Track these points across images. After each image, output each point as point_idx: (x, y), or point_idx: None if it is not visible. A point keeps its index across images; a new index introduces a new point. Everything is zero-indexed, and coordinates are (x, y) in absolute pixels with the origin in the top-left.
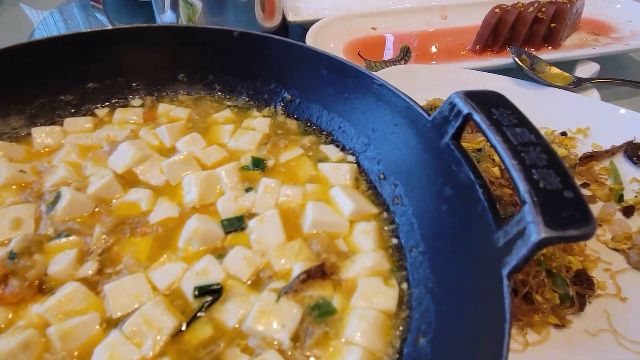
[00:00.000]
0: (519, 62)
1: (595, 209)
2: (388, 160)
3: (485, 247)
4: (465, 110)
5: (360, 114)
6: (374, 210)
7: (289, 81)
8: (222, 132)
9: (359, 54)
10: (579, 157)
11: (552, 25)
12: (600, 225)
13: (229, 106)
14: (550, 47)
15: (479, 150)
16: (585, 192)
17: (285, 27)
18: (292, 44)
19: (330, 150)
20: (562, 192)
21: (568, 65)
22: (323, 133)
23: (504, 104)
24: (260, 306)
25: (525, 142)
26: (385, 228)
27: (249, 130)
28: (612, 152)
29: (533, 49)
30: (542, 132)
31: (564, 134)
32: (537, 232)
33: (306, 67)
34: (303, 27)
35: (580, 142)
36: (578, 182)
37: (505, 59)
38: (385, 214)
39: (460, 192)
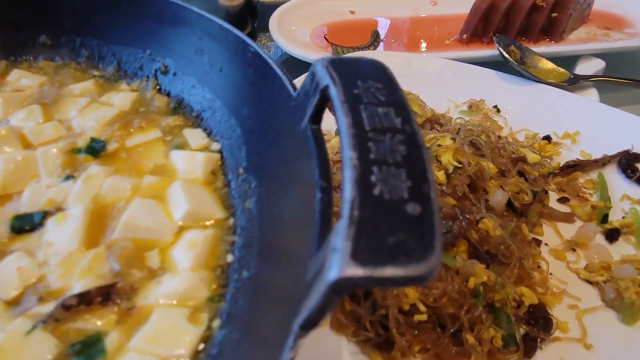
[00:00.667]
0: (504, 53)
1: (571, 229)
2: (252, 151)
3: (295, 279)
4: (324, 82)
5: (234, 91)
6: (218, 214)
7: (163, 48)
8: (71, 107)
9: (324, 37)
10: (561, 165)
11: (554, 14)
12: (574, 250)
13: (94, 76)
14: (550, 40)
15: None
16: (562, 208)
17: (251, 6)
18: (166, 2)
19: (195, 135)
20: (405, 204)
21: (570, 61)
22: (193, 114)
23: (377, 76)
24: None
25: (384, 127)
26: (226, 239)
27: (105, 106)
28: (602, 162)
29: (531, 42)
30: (523, 134)
31: (547, 138)
32: (337, 266)
33: (180, 30)
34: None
35: (567, 148)
36: (556, 196)
37: (492, 51)
38: (231, 221)
39: (304, 196)
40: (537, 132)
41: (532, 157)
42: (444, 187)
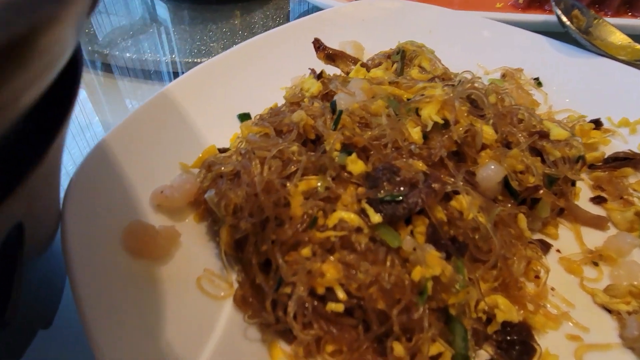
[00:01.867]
0: (562, 17)
1: (600, 238)
2: None
3: None
4: None
5: None
6: None
7: None
8: None
9: None
10: (606, 157)
11: None
12: (596, 265)
13: None
14: (633, 15)
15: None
16: (595, 210)
17: None
18: None
19: None
20: None
21: None
22: None
23: None
24: None
25: None
26: None
27: None
28: None
29: (609, 13)
30: (565, 116)
31: (596, 122)
32: None
33: None
34: None
35: (621, 138)
36: (590, 193)
37: (550, 17)
38: None
39: None
40: (585, 115)
41: (557, 132)
42: (412, 147)
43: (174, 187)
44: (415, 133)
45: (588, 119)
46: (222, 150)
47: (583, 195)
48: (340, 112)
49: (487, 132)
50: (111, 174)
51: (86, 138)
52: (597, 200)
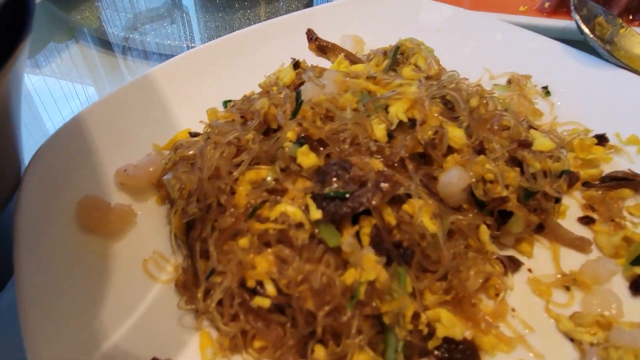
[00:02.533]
0: (581, 24)
1: (582, 261)
2: None
3: None
4: None
5: None
6: None
7: None
8: None
9: None
10: (603, 175)
11: None
12: (568, 289)
13: None
14: None
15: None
16: (581, 231)
17: None
18: None
19: None
20: None
21: None
22: None
23: None
24: None
25: None
26: None
27: None
28: None
29: None
30: (570, 128)
31: (600, 137)
32: None
33: None
34: None
35: (627, 157)
36: (581, 213)
37: (571, 23)
38: None
39: None
40: (591, 129)
41: (541, 143)
42: (370, 144)
43: (138, 167)
44: (380, 130)
45: (591, 134)
46: (194, 135)
47: (573, 214)
48: (301, 102)
49: (457, 135)
50: (82, 148)
51: None
52: (585, 221)
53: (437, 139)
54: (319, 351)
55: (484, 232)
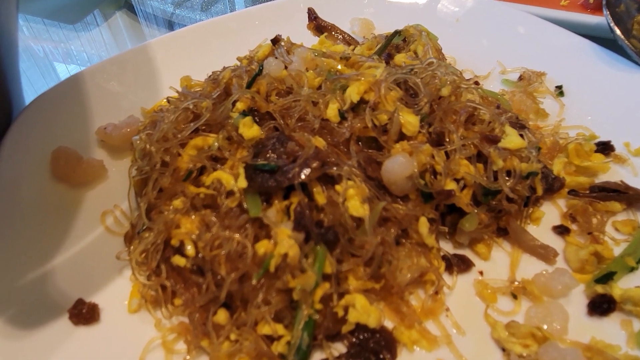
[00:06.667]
0: (611, 23)
1: (539, 270)
2: None
3: None
4: None
5: None
6: None
7: None
8: None
9: None
10: (592, 185)
11: None
12: (515, 298)
13: None
14: None
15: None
16: (553, 241)
17: None
18: None
19: None
20: None
21: None
22: None
23: None
24: None
25: None
26: None
27: None
28: None
29: None
30: (574, 133)
31: (604, 145)
32: None
33: None
34: None
35: (630, 169)
36: (558, 221)
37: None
38: None
39: None
40: (598, 135)
41: (510, 140)
42: (315, 122)
43: (117, 126)
44: (332, 110)
45: (596, 140)
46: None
47: (551, 221)
48: (255, 75)
49: (410, 122)
50: (74, 105)
51: None
52: (560, 231)
53: (389, 125)
54: (221, 314)
55: (423, 225)
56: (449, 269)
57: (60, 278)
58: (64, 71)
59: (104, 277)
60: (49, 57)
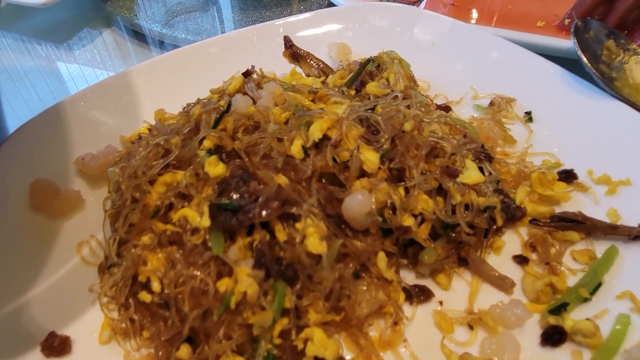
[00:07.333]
0: (577, 49)
1: (498, 300)
2: None
3: None
4: None
5: None
6: None
7: None
8: None
9: None
10: (552, 214)
11: None
12: (471, 328)
13: None
14: None
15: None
16: (511, 270)
17: None
18: None
19: None
20: None
21: None
22: None
23: None
24: None
25: None
26: None
27: None
28: (630, 233)
29: None
30: (540, 160)
31: (567, 173)
32: None
33: None
34: None
35: (592, 198)
36: (518, 250)
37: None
38: None
39: None
40: (562, 163)
41: (470, 175)
42: (279, 160)
43: (95, 157)
44: (296, 146)
45: (559, 169)
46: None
47: (512, 250)
48: (222, 112)
49: (370, 159)
50: (55, 136)
51: None
52: (519, 260)
53: (350, 161)
54: (183, 350)
55: (382, 260)
56: (410, 299)
57: (34, 310)
58: (48, 92)
59: (77, 308)
60: (32, 77)
